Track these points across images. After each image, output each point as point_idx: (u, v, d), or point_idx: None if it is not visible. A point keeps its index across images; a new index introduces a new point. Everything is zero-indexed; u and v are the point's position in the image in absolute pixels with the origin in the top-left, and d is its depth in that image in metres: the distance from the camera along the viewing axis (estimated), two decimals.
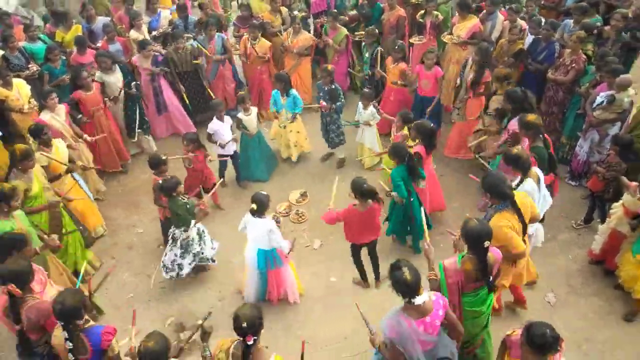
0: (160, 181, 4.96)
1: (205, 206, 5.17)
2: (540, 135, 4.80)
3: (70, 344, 3.11)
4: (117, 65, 6.84)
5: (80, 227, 5.44)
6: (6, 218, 4.30)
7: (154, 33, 7.82)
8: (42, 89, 6.84)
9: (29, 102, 6.38)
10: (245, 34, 7.76)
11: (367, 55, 7.34)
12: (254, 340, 2.97)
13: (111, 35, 7.44)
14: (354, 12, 8.23)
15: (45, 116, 5.81)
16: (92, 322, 3.30)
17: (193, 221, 5.00)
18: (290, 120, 6.62)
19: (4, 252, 3.77)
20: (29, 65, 6.95)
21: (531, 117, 4.71)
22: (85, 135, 6.16)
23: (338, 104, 6.50)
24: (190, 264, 5.14)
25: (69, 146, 5.73)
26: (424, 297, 3.11)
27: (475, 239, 3.37)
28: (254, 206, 4.48)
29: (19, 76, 6.69)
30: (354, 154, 7.04)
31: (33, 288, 3.58)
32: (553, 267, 5.28)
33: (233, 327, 3.00)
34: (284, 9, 8.29)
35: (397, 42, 6.88)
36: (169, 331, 4.82)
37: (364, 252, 5.11)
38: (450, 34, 7.36)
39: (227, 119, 6.22)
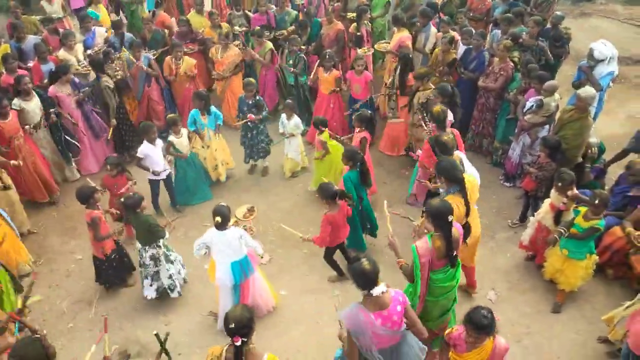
0: (123, 199, 4.77)
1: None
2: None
3: None
4: (34, 92, 6.41)
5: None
6: None
7: (89, 51, 7.58)
8: None
9: None
10: (184, 49, 7.70)
11: (290, 62, 7.54)
12: (242, 341, 2.95)
13: (44, 55, 7.16)
14: (292, 27, 8.33)
15: None
16: None
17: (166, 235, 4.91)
18: (216, 134, 6.59)
19: None
20: None
21: (445, 137, 4.83)
22: (12, 161, 5.80)
23: (264, 113, 6.68)
24: (151, 285, 5.06)
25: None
26: (382, 288, 3.20)
27: (440, 216, 3.60)
28: (219, 219, 4.43)
29: None
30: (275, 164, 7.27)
31: None
32: (493, 265, 5.50)
33: (224, 328, 3.02)
34: (225, 25, 8.28)
35: (325, 53, 7.14)
36: None
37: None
38: (387, 43, 7.65)
39: (159, 142, 5.98)
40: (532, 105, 5.92)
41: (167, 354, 3.37)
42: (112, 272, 5.31)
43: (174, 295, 5.15)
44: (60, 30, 8.01)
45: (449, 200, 3.91)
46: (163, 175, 6.10)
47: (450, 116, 5.57)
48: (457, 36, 7.25)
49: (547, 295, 5.06)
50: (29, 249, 5.86)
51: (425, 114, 5.82)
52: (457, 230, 3.74)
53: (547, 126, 6.02)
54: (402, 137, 7.15)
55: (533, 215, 5.53)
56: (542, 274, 5.07)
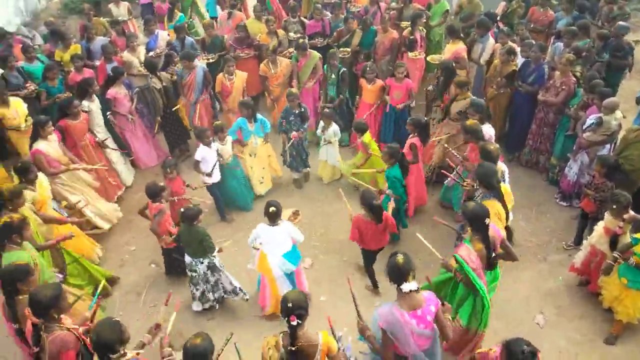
0: (182, 209, 4.81)
1: None
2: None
3: None
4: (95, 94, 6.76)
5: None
6: (20, 247, 4.23)
7: (151, 53, 7.93)
8: (40, 108, 7.00)
9: (26, 121, 6.48)
10: (240, 53, 7.88)
11: (333, 76, 7.43)
12: (298, 322, 3.04)
13: (110, 55, 7.56)
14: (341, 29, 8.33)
15: (41, 145, 5.72)
16: (128, 356, 3.15)
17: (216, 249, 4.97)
18: (264, 142, 6.69)
19: (10, 284, 3.69)
20: (27, 85, 7.08)
21: (492, 146, 4.85)
22: (83, 164, 6.14)
23: (306, 125, 6.75)
24: (215, 294, 5.15)
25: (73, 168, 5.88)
26: (412, 285, 3.24)
27: (477, 218, 3.73)
28: (273, 209, 4.64)
29: (17, 95, 6.82)
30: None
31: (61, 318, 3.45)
32: (542, 288, 5.27)
33: (280, 310, 3.15)
34: (281, 32, 8.41)
35: (366, 65, 7.11)
36: (156, 351, 4.79)
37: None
38: (440, 56, 7.53)
39: (214, 145, 6.09)
40: (592, 123, 5.65)
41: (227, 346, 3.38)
42: (176, 263, 5.51)
43: (241, 297, 5.18)
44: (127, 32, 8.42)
45: (486, 204, 4.02)
46: (216, 179, 6.18)
47: (491, 131, 5.61)
48: (517, 48, 7.02)
49: (601, 325, 4.80)
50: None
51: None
52: (494, 231, 3.86)
53: (607, 145, 5.72)
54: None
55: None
56: (600, 302, 4.78)
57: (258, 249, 4.92)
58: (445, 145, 6.10)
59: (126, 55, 7.70)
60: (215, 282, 5.10)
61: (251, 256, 5.11)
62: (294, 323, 3.04)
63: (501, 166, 4.97)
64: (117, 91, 7.00)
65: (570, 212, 6.19)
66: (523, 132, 6.84)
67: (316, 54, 7.65)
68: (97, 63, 7.78)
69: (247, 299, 5.22)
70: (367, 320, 3.54)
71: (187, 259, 4.99)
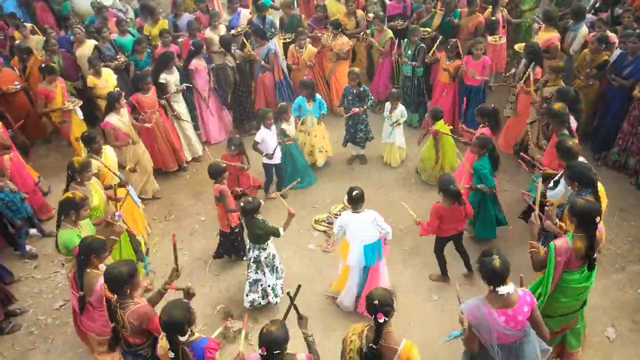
0: (242, 204, 4.76)
1: None
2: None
3: (172, 354, 3.12)
4: (175, 67, 7.11)
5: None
6: (74, 227, 4.24)
7: (232, 31, 8.14)
8: (129, 79, 7.45)
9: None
10: (320, 34, 7.90)
11: (409, 52, 7.34)
12: (385, 320, 3.04)
13: (194, 32, 7.84)
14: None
15: (112, 118, 5.97)
16: (197, 335, 3.22)
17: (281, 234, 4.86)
18: (318, 122, 6.75)
19: (85, 259, 3.77)
20: (118, 57, 7.55)
21: (571, 142, 4.46)
22: (147, 124, 6.45)
23: (369, 103, 6.76)
24: (254, 292, 5.02)
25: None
26: (509, 288, 3.14)
27: (587, 216, 3.50)
28: (357, 192, 4.54)
29: (108, 66, 7.31)
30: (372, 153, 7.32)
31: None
32: (618, 300, 4.91)
33: (365, 307, 3.15)
34: (360, 12, 8.32)
35: (450, 42, 6.98)
36: (217, 318, 5.06)
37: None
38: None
39: (274, 128, 6.22)
40: None
41: (296, 308, 3.36)
42: (231, 246, 5.66)
43: (263, 302, 5.07)
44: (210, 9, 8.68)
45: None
46: (277, 160, 6.35)
47: (573, 123, 5.08)
48: (614, 38, 6.45)
49: None
50: (161, 206, 6.68)
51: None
52: (599, 231, 3.64)
53: None
54: (516, 134, 6.72)
55: None
56: None
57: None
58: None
59: (208, 32, 7.96)
60: (254, 281, 4.97)
61: (313, 237, 5.15)
62: (381, 320, 3.02)
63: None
64: (199, 63, 7.30)
65: None
66: (613, 131, 6.32)
67: (389, 32, 7.66)
68: (182, 39, 8.10)
69: (276, 303, 5.08)
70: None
71: (248, 243, 5.07)
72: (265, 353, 2.93)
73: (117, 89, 6.94)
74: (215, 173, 5.25)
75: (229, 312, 5.17)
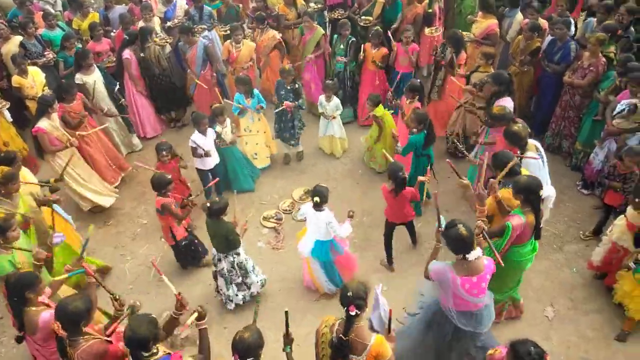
0: (209, 204, 4.52)
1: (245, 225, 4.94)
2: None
3: None
4: (95, 65, 6.66)
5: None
6: (6, 252, 3.88)
7: (168, 23, 7.82)
8: (59, 77, 7.00)
9: (43, 90, 6.51)
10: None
11: (341, 47, 7.29)
12: (356, 313, 3.02)
13: (127, 25, 7.47)
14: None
15: (43, 123, 5.56)
16: (161, 353, 3.04)
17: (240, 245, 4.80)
18: (259, 117, 6.57)
19: (18, 296, 3.39)
20: (45, 53, 7.09)
21: (515, 127, 4.65)
22: (78, 133, 5.94)
23: (300, 100, 6.58)
24: (237, 295, 4.96)
25: (72, 144, 5.69)
26: (477, 252, 3.37)
27: (531, 191, 3.80)
28: (317, 199, 4.52)
29: (35, 64, 6.85)
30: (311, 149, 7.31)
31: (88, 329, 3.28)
32: (556, 279, 5.12)
33: (339, 298, 3.13)
34: (300, 1, 8.16)
35: (372, 30, 7.07)
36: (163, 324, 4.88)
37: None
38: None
39: (210, 132, 5.90)
40: (624, 109, 5.32)
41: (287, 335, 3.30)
42: (185, 257, 5.48)
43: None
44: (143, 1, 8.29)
45: (506, 192, 4.15)
46: (211, 165, 6.02)
47: (510, 103, 5.28)
48: (545, 24, 6.65)
49: (616, 321, 4.62)
50: (100, 211, 6.32)
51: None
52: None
53: (638, 133, 5.39)
54: (445, 117, 6.89)
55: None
56: (612, 297, 4.62)
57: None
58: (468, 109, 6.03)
59: (141, 24, 7.58)
60: (241, 282, 4.92)
61: (262, 235, 5.07)
62: (353, 313, 3.01)
63: (534, 143, 4.74)
64: (133, 53, 7.00)
65: (591, 201, 5.94)
66: (548, 115, 6.54)
67: (320, 30, 7.50)
68: (114, 33, 7.71)
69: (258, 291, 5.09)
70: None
71: (213, 251, 4.83)
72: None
73: (46, 88, 6.55)
74: (159, 185, 4.89)
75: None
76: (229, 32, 7.60)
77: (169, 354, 3.09)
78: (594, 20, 6.71)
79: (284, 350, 3.23)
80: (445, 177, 6.50)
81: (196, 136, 5.80)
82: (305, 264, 5.10)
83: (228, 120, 6.25)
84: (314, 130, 7.18)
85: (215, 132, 6.04)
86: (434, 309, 3.77)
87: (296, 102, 6.50)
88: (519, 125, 4.65)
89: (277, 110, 6.57)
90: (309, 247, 4.83)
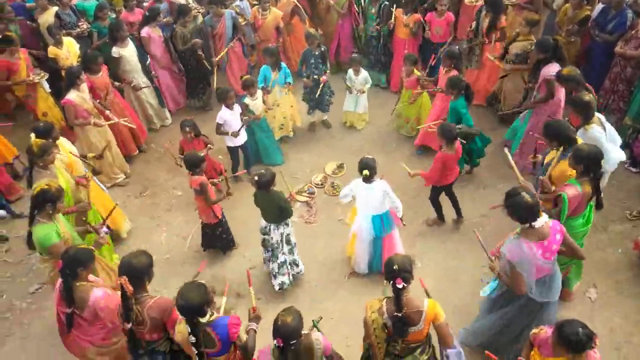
0: (256, 176, 4.41)
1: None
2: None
3: (193, 338, 3.01)
4: (129, 39, 6.56)
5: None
6: (50, 221, 3.88)
7: None
8: (91, 48, 7.01)
9: (77, 61, 6.54)
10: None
11: (372, 11, 7.09)
12: (403, 286, 3.02)
13: None
14: None
15: (72, 95, 5.54)
16: (216, 315, 3.12)
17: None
18: (286, 91, 6.41)
19: (71, 270, 3.38)
20: (79, 23, 7.10)
21: (567, 70, 4.74)
22: (107, 111, 5.99)
23: (327, 66, 6.46)
24: (283, 275, 4.87)
25: (95, 124, 5.72)
26: (544, 218, 3.28)
27: (593, 160, 3.65)
28: (366, 172, 4.41)
29: (69, 34, 6.87)
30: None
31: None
32: (600, 260, 4.94)
33: (384, 273, 3.11)
34: None
35: None
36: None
37: None
38: None
39: (237, 107, 5.79)
40: None
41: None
42: (218, 238, 5.32)
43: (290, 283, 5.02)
44: None
45: (564, 164, 3.91)
46: (241, 141, 5.95)
47: (555, 70, 5.09)
48: None
49: None
50: (136, 182, 6.45)
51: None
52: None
53: None
54: (486, 86, 6.69)
55: None
56: None
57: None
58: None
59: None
60: (284, 262, 4.84)
61: (294, 209, 5.01)
62: (400, 286, 3.00)
63: (598, 115, 4.46)
64: (153, 31, 6.87)
65: (639, 179, 5.67)
66: (596, 88, 6.18)
67: None
68: (147, 3, 7.64)
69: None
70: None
71: (262, 222, 4.71)
72: (282, 344, 2.85)
73: (80, 58, 6.57)
74: (193, 163, 4.81)
75: (212, 289, 5.04)
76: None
77: (226, 317, 3.14)
78: None
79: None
80: (491, 151, 6.32)
81: (224, 112, 5.70)
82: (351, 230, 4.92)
83: (259, 92, 6.13)
84: (337, 101, 7.06)
85: (245, 103, 5.95)
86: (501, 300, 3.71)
87: (327, 71, 6.38)
88: (590, 95, 4.43)
89: (321, 88, 6.43)
90: (366, 224, 4.66)
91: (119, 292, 3.13)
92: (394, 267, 3.02)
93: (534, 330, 3.25)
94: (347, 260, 5.19)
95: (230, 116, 5.72)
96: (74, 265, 3.37)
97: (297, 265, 5.00)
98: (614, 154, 4.39)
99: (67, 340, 3.77)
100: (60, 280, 3.51)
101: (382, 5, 6.99)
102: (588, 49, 6.26)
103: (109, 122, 5.96)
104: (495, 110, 6.71)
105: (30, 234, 3.94)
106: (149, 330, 3.22)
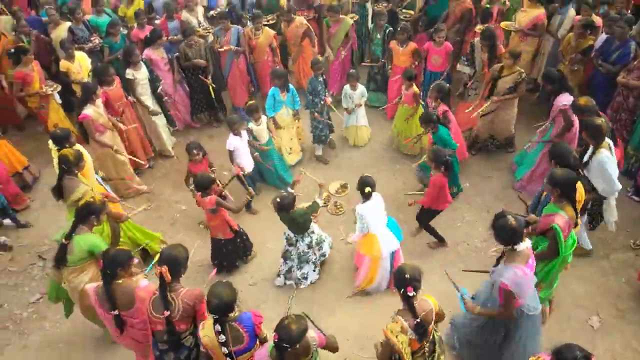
0: (278, 200, 4.62)
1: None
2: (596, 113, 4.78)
3: (223, 337, 3.11)
4: (142, 62, 6.56)
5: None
6: (91, 232, 4.09)
7: (211, 12, 7.86)
8: (102, 63, 7.13)
9: (89, 76, 6.66)
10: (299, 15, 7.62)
11: (378, 36, 7.22)
12: (413, 294, 3.12)
13: (170, 13, 7.55)
14: None
15: (89, 110, 5.64)
16: (237, 312, 3.23)
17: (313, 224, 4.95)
18: (294, 117, 6.46)
19: (112, 270, 3.51)
20: (92, 38, 7.24)
21: (583, 100, 4.88)
22: (120, 125, 6.10)
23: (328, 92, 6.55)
24: (314, 271, 5.16)
25: (116, 151, 5.90)
26: (527, 243, 3.39)
27: (567, 184, 3.76)
28: (369, 189, 4.55)
29: (82, 49, 7.00)
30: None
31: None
32: (602, 287, 4.93)
33: (394, 281, 3.22)
34: None
35: (402, 25, 6.92)
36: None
37: None
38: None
39: (244, 134, 5.81)
40: None
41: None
42: (233, 251, 5.33)
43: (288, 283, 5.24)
44: None
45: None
46: (249, 168, 5.95)
47: (569, 99, 5.26)
48: (599, 22, 6.38)
49: None
50: (141, 195, 6.50)
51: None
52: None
53: None
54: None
55: None
56: None
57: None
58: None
59: (184, 14, 7.66)
60: (317, 259, 5.11)
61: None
62: (411, 294, 3.10)
63: (607, 140, 4.56)
64: (153, 52, 6.89)
65: None
66: None
67: (348, 20, 7.38)
68: (158, 21, 7.80)
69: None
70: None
71: (289, 233, 4.94)
72: (276, 340, 2.92)
73: (91, 73, 6.68)
74: (205, 184, 4.82)
75: None
76: (271, 21, 7.60)
77: (247, 312, 3.27)
78: None
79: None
80: (486, 176, 6.40)
81: (232, 139, 5.70)
82: (367, 260, 4.92)
83: (264, 118, 6.10)
84: (335, 123, 7.14)
85: (249, 128, 5.96)
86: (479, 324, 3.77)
87: (328, 95, 6.47)
88: (603, 120, 4.54)
89: (326, 112, 6.54)
90: (390, 236, 4.75)
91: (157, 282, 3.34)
92: (406, 276, 3.11)
93: (532, 358, 3.24)
94: (349, 279, 5.21)
95: (239, 142, 5.74)
96: (114, 265, 3.52)
97: (321, 249, 5.16)
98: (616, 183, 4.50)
99: (125, 341, 3.85)
100: (93, 286, 3.66)
101: (387, 31, 7.11)
102: (591, 78, 6.35)
103: (126, 127, 6.17)
104: (485, 147, 6.67)
105: (63, 247, 4.01)
106: (180, 319, 3.37)
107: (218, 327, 3.12)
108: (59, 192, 4.66)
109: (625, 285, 4.93)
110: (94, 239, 4.06)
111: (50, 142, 4.96)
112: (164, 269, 3.29)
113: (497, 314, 3.57)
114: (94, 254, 4.03)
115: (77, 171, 4.64)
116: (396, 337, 3.16)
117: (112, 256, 3.56)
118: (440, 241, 5.50)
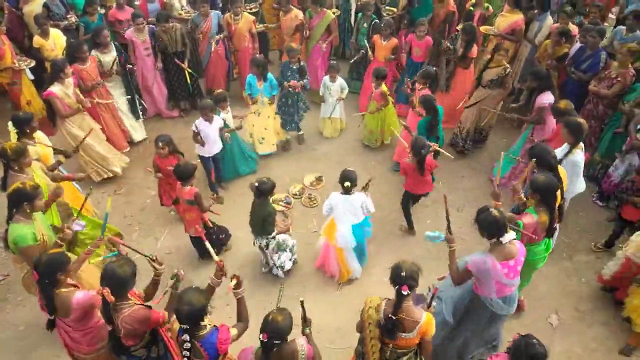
0: (257, 183, 4.51)
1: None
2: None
3: (187, 353, 2.99)
4: (112, 45, 6.38)
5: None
6: (28, 221, 3.75)
7: None
8: (77, 41, 6.94)
9: (63, 54, 6.47)
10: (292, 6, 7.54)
11: (364, 25, 7.32)
12: (408, 293, 3.07)
13: None
14: None
15: (55, 88, 5.45)
16: (208, 328, 3.06)
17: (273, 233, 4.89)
18: (269, 102, 6.37)
19: (50, 277, 3.23)
20: (68, 16, 7.04)
21: (563, 104, 5.01)
22: (96, 99, 5.93)
23: (305, 80, 6.45)
24: (290, 259, 5.12)
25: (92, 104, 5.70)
26: (511, 235, 3.40)
27: (548, 190, 3.80)
28: (348, 183, 4.53)
29: (57, 26, 6.80)
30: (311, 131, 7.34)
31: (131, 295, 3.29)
32: (563, 287, 5.07)
33: (390, 277, 3.15)
34: None
35: (386, 20, 7.00)
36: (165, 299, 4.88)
37: None
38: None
39: (216, 120, 5.62)
40: None
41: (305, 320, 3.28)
42: (215, 240, 5.22)
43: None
44: None
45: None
46: (212, 152, 5.78)
47: (551, 98, 5.45)
48: (575, 31, 6.54)
49: (622, 335, 4.57)
50: (113, 179, 6.37)
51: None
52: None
53: None
54: (453, 111, 6.78)
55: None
56: (622, 310, 4.52)
57: None
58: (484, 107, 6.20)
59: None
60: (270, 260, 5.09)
61: None
62: (405, 293, 3.06)
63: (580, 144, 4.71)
64: (134, 34, 6.74)
65: (605, 213, 5.88)
66: None
67: (330, 14, 7.41)
68: (138, 1, 7.64)
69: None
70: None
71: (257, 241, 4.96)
72: (266, 340, 2.85)
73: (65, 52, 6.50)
74: (186, 174, 4.65)
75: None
76: (254, 9, 7.53)
77: (216, 326, 3.11)
78: (623, 28, 6.56)
79: (303, 332, 3.19)
80: (460, 176, 6.50)
81: (199, 121, 5.56)
82: (331, 253, 5.00)
83: (229, 108, 6.06)
84: (312, 115, 7.18)
85: (221, 118, 5.82)
86: (468, 299, 3.76)
87: (302, 82, 6.40)
88: (582, 120, 4.66)
89: (282, 93, 6.52)
90: (349, 235, 4.78)
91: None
92: (402, 274, 3.06)
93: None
94: (320, 271, 5.25)
95: (206, 128, 5.56)
96: (51, 272, 3.23)
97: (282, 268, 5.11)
98: (582, 183, 4.67)
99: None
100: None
101: (373, 23, 7.15)
102: (563, 84, 6.50)
103: (104, 102, 6.08)
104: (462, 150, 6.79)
105: (7, 232, 3.80)
106: (124, 337, 3.22)
107: (186, 337, 2.98)
108: (3, 184, 4.28)
109: (585, 286, 5.08)
110: (20, 230, 3.69)
111: (10, 124, 4.66)
112: (106, 291, 3.05)
113: (450, 270, 3.63)
114: (19, 247, 3.71)
115: (17, 167, 4.21)
116: (368, 309, 3.20)
117: (46, 262, 3.22)
118: (410, 228, 5.63)
